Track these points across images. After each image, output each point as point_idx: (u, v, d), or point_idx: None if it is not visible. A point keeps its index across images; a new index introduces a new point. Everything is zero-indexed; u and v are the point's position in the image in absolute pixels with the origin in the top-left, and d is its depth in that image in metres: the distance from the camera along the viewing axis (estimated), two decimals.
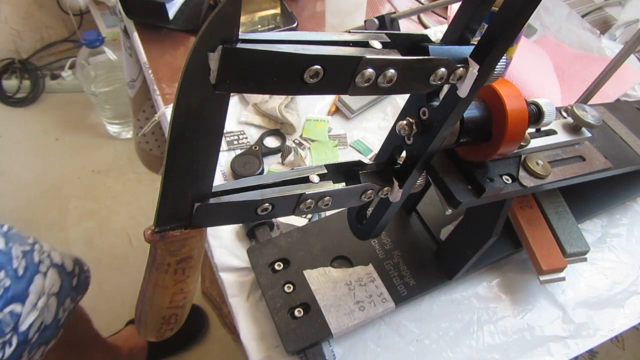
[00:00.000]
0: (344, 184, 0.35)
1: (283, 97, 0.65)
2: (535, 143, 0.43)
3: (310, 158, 0.63)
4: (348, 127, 0.67)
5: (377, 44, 0.25)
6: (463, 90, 0.28)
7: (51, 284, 0.65)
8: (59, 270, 0.68)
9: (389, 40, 0.26)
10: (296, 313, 0.45)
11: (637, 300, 0.52)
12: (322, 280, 0.47)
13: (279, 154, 0.63)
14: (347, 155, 0.64)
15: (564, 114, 0.48)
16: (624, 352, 1.06)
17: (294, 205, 0.30)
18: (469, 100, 0.29)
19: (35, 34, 1.83)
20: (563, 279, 0.49)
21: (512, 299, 0.52)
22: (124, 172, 1.60)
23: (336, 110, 0.69)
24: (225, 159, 0.61)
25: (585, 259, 0.50)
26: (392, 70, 0.24)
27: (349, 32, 0.25)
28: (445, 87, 0.30)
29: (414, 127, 0.33)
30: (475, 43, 0.27)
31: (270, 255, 0.49)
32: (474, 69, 0.27)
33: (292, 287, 0.47)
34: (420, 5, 0.88)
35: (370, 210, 0.40)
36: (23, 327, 0.58)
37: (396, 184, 0.34)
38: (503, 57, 0.27)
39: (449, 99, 0.30)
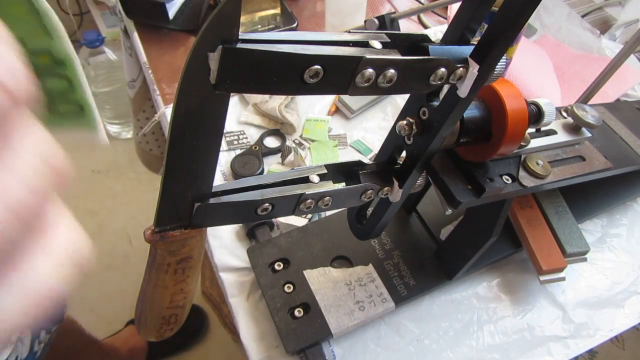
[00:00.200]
0: (344, 184, 0.35)
1: (283, 97, 0.65)
2: (535, 143, 0.43)
3: (310, 158, 0.63)
4: (348, 127, 0.67)
5: (377, 44, 0.25)
6: (463, 90, 0.28)
7: None
8: None
9: (389, 40, 0.26)
10: (296, 313, 0.45)
11: (637, 300, 0.52)
12: (322, 280, 0.47)
13: (279, 154, 0.63)
14: (347, 155, 0.64)
15: (564, 114, 0.48)
16: (624, 352, 1.06)
17: (294, 205, 0.30)
18: (469, 100, 0.29)
19: None
20: (563, 279, 0.49)
21: (512, 299, 0.52)
22: (123, 172, 1.60)
23: (336, 110, 0.69)
24: (225, 159, 0.61)
25: (585, 259, 0.50)
26: (392, 70, 0.24)
27: (349, 32, 0.25)
28: (445, 87, 0.30)
29: (414, 127, 0.33)
30: (475, 43, 0.27)
31: (270, 255, 0.49)
32: (474, 69, 0.27)
33: (292, 287, 0.47)
34: (420, 5, 0.88)
35: (370, 210, 0.40)
36: None
37: (396, 184, 0.34)
38: (503, 57, 0.27)
39: (449, 99, 0.30)
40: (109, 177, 1.59)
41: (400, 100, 0.71)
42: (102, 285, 1.27)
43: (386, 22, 0.71)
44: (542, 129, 0.45)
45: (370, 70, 0.24)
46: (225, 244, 0.54)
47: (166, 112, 0.68)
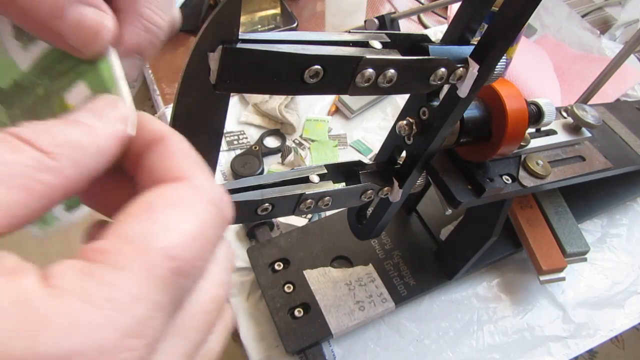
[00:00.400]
0: (344, 184, 0.35)
1: (283, 97, 0.65)
2: (535, 143, 0.43)
3: (310, 158, 0.63)
4: (348, 127, 0.67)
5: (377, 44, 0.25)
6: (463, 90, 0.28)
7: None
8: None
9: (389, 40, 0.26)
10: (296, 313, 0.45)
11: (637, 300, 0.52)
12: (322, 280, 0.47)
13: (279, 154, 0.63)
14: (347, 155, 0.64)
15: (564, 114, 0.48)
16: (624, 352, 1.06)
17: (294, 205, 0.30)
18: (469, 100, 0.29)
19: None
20: (563, 279, 0.49)
21: (512, 299, 0.52)
22: None
23: (336, 110, 0.69)
24: (225, 159, 0.61)
25: (585, 259, 0.50)
26: (392, 70, 0.24)
27: (349, 32, 0.25)
28: (445, 87, 0.30)
29: (414, 127, 0.33)
30: (475, 43, 0.27)
31: (270, 255, 0.49)
32: (474, 69, 0.27)
33: (292, 287, 0.47)
34: (420, 5, 0.88)
35: (370, 210, 0.40)
36: None
37: (396, 184, 0.34)
38: (503, 57, 0.27)
39: (449, 99, 0.30)
40: None
41: (400, 100, 0.71)
42: None
43: (386, 22, 0.71)
44: (542, 129, 0.45)
45: (370, 70, 0.24)
46: None
47: (166, 112, 0.68)
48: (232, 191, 0.29)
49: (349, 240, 0.50)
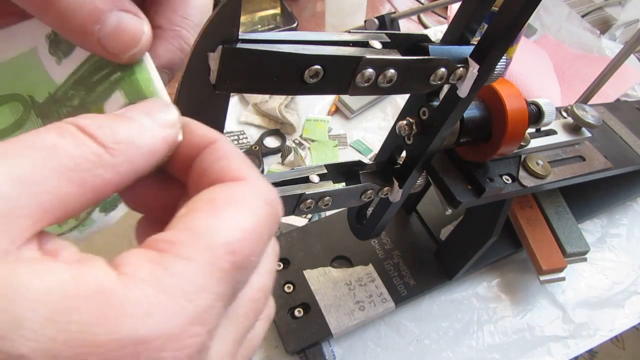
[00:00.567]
0: (344, 184, 0.35)
1: (283, 97, 0.65)
2: (535, 143, 0.43)
3: (310, 158, 0.63)
4: (348, 127, 0.67)
5: (377, 44, 0.25)
6: (463, 90, 0.28)
7: None
8: None
9: (389, 40, 0.26)
10: (296, 313, 0.45)
11: (637, 300, 0.52)
12: (322, 280, 0.47)
13: (279, 154, 0.63)
14: (347, 155, 0.64)
15: (564, 114, 0.48)
16: (624, 352, 1.06)
17: (294, 205, 0.30)
18: (469, 100, 0.29)
19: None
20: (563, 279, 0.49)
21: (512, 299, 0.52)
22: None
23: (336, 110, 0.69)
24: None
25: (585, 259, 0.50)
26: (392, 70, 0.24)
27: (349, 32, 0.25)
28: (445, 87, 0.30)
29: (414, 127, 0.33)
30: (475, 43, 0.27)
31: None
32: (474, 69, 0.27)
33: (292, 287, 0.47)
34: (420, 5, 0.88)
35: (370, 210, 0.40)
36: None
37: (396, 184, 0.34)
38: (503, 57, 0.27)
39: (449, 99, 0.30)
40: None
41: (400, 100, 0.71)
42: None
43: (386, 22, 0.71)
44: (542, 129, 0.45)
45: (370, 70, 0.24)
46: None
47: None
48: None
49: (349, 240, 0.50)
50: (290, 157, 0.61)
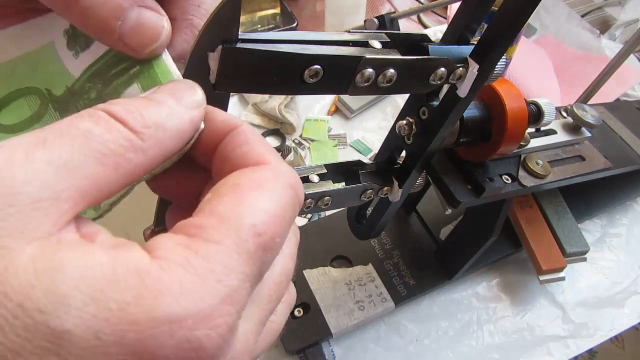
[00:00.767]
0: (344, 184, 0.35)
1: (283, 97, 0.65)
2: (535, 143, 0.43)
3: (310, 158, 0.63)
4: (348, 127, 0.67)
5: (377, 44, 0.25)
6: (463, 90, 0.28)
7: None
8: None
9: (389, 40, 0.26)
10: (296, 313, 0.45)
11: (637, 300, 0.52)
12: (322, 280, 0.47)
13: (279, 154, 0.63)
14: (347, 155, 0.64)
15: (564, 114, 0.48)
16: (624, 352, 1.06)
17: None
18: (469, 100, 0.29)
19: None
20: (563, 279, 0.49)
21: (512, 299, 0.52)
22: None
23: (336, 110, 0.69)
24: None
25: (585, 259, 0.50)
26: (392, 70, 0.24)
27: (349, 32, 0.25)
28: (445, 87, 0.30)
29: (414, 127, 0.32)
30: (475, 43, 0.27)
31: None
32: (474, 69, 0.27)
33: None
34: (420, 5, 0.88)
35: (370, 210, 0.40)
36: None
37: (396, 184, 0.34)
38: (503, 57, 0.27)
39: (449, 99, 0.30)
40: None
41: (400, 100, 0.71)
42: None
43: (386, 22, 0.71)
44: (542, 129, 0.45)
45: (370, 70, 0.24)
46: None
47: None
48: None
49: (349, 240, 0.50)
50: (290, 157, 0.61)
